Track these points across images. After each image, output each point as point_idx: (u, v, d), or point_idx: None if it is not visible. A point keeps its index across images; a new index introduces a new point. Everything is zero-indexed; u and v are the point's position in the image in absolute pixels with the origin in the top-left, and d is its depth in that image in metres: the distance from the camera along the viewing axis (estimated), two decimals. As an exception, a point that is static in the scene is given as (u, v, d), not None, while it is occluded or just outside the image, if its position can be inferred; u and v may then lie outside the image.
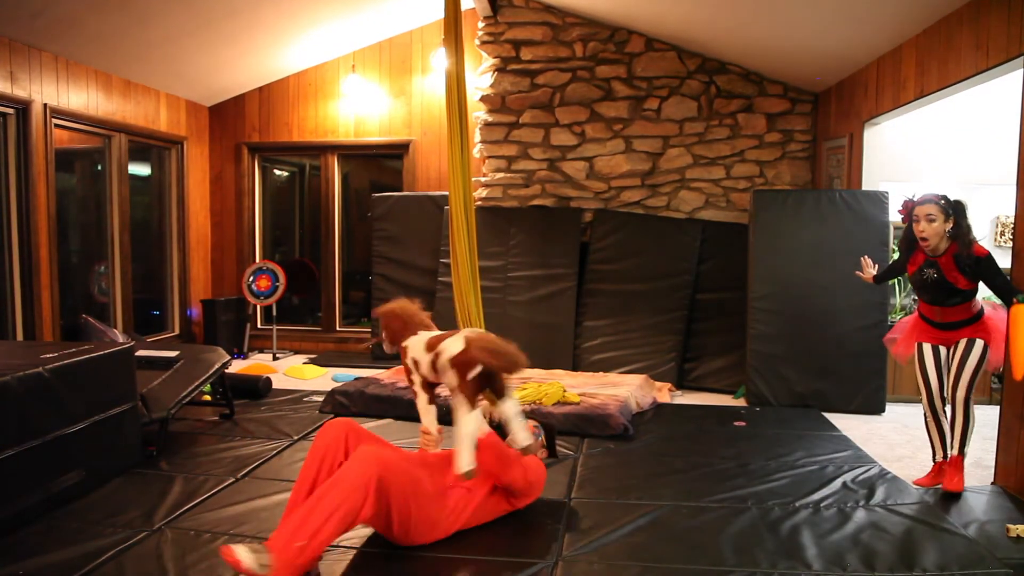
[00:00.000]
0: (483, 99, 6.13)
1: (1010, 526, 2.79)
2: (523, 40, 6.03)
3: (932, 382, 3.36)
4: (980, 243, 3.20)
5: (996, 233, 5.36)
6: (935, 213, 3.17)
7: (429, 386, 2.82)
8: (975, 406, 3.22)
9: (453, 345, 2.61)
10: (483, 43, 6.10)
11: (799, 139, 5.87)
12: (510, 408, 2.67)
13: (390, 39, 6.55)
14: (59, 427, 2.93)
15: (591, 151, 6.02)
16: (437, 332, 2.83)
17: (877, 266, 3.86)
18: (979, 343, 3.20)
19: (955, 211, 3.18)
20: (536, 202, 6.17)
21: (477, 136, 6.16)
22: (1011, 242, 3.59)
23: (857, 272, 3.90)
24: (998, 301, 3.28)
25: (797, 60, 5.36)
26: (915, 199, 3.27)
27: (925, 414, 3.41)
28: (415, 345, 2.77)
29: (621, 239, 5.89)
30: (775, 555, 2.56)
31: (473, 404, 2.55)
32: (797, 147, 5.88)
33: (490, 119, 6.14)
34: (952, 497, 3.14)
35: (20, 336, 4.88)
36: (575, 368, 5.61)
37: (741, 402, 5.01)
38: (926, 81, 4.07)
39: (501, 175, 6.18)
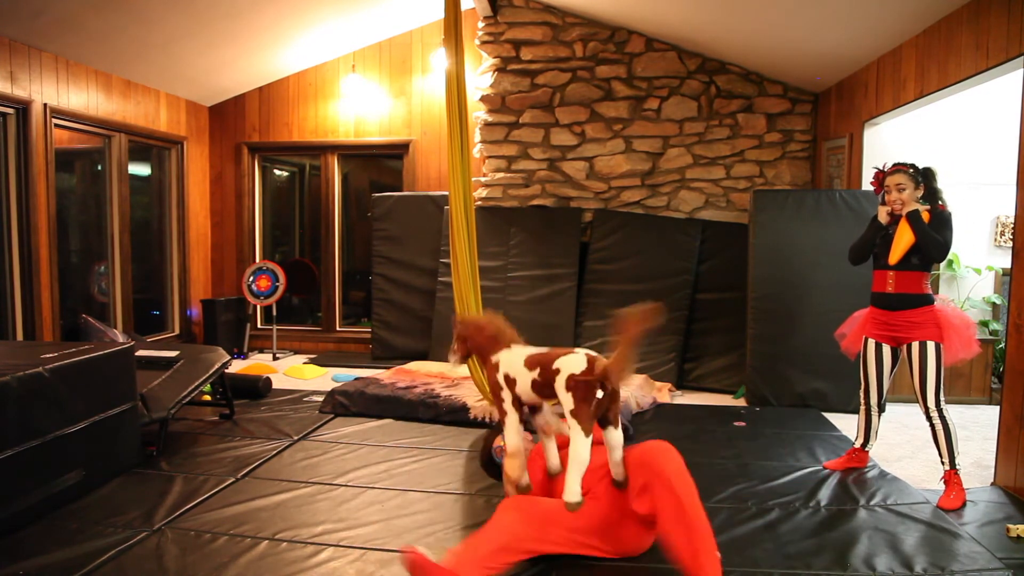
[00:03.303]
0: (483, 99, 6.13)
1: (1010, 526, 2.79)
2: (523, 40, 6.04)
3: (872, 381, 3.44)
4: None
5: (996, 233, 5.36)
6: (904, 182, 3.27)
7: (521, 404, 2.55)
8: (949, 407, 3.23)
9: (573, 363, 2.33)
10: (483, 43, 6.11)
11: (799, 139, 5.87)
12: (616, 438, 2.39)
13: (390, 39, 6.56)
14: (59, 427, 2.94)
15: (591, 151, 6.02)
16: (535, 349, 2.56)
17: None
18: (932, 346, 3.19)
19: (925, 178, 3.30)
20: (536, 202, 6.17)
21: (477, 136, 6.16)
22: (1011, 242, 3.59)
23: (885, 212, 3.47)
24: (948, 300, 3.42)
25: (797, 60, 5.36)
26: (885, 169, 3.37)
27: (860, 404, 3.52)
28: (511, 360, 2.54)
29: (621, 239, 5.88)
30: (775, 555, 2.56)
31: (589, 430, 2.29)
32: (797, 147, 5.88)
33: (490, 119, 6.14)
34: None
35: (20, 336, 4.89)
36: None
37: (741, 402, 5.01)
38: (926, 81, 4.07)
39: (501, 175, 6.18)
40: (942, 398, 3.19)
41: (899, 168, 3.32)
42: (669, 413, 4.62)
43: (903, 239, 3.24)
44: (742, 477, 3.36)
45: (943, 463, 3.19)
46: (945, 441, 3.17)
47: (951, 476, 3.16)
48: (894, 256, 3.25)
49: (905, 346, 3.29)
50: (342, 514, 2.90)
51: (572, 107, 6.00)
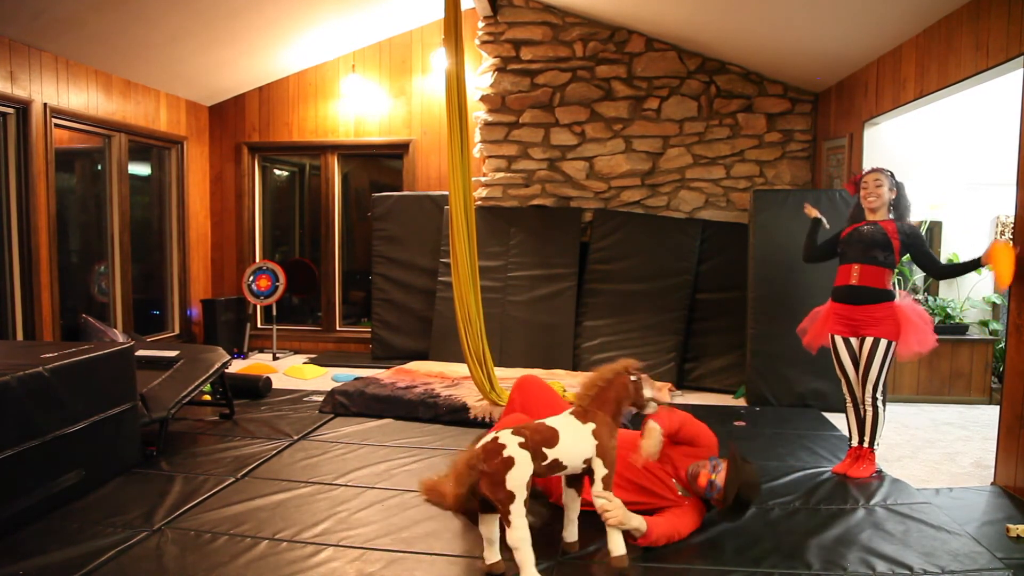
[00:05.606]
0: (483, 99, 6.13)
1: (1010, 526, 2.79)
2: (523, 40, 6.04)
3: (849, 374, 3.52)
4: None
5: (996, 233, 5.36)
6: (882, 179, 3.48)
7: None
8: (889, 403, 3.47)
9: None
10: (483, 43, 6.10)
11: (799, 139, 5.87)
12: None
13: (390, 39, 6.56)
14: (59, 427, 2.94)
15: (591, 151, 6.02)
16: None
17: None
18: (883, 343, 3.36)
19: (897, 186, 3.51)
20: (536, 202, 6.17)
21: (477, 136, 6.16)
22: (1011, 242, 3.58)
23: (806, 211, 4.00)
24: (918, 294, 3.54)
25: (797, 60, 5.35)
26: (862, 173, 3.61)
27: (845, 400, 3.60)
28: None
29: (621, 239, 5.88)
30: (775, 555, 2.56)
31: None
32: (797, 147, 5.88)
33: (490, 119, 6.14)
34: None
35: (20, 336, 4.89)
36: (575, 368, 5.61)
37: (741, 402, 5.01)
38: (926, 81, 4.07)
39: (501, 175, 6.18)
40: (879, 391, 3.41)
41: (879, 169, 3.53)
42: (669, 413, 4.62)
43: (1006, 263, 3.17)
44: (742, 477, 3.35)
45: (862, 442, 3.45)
46: (872, 425, 3.43)
47: (866, 452, 3.41)
48: (1004, 282, 3.17)
49: (860, 338, 3.44)
50: (342, 514, 2.89)
51: (572, 107, 6.00)
